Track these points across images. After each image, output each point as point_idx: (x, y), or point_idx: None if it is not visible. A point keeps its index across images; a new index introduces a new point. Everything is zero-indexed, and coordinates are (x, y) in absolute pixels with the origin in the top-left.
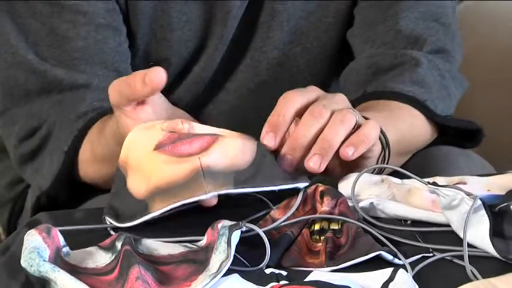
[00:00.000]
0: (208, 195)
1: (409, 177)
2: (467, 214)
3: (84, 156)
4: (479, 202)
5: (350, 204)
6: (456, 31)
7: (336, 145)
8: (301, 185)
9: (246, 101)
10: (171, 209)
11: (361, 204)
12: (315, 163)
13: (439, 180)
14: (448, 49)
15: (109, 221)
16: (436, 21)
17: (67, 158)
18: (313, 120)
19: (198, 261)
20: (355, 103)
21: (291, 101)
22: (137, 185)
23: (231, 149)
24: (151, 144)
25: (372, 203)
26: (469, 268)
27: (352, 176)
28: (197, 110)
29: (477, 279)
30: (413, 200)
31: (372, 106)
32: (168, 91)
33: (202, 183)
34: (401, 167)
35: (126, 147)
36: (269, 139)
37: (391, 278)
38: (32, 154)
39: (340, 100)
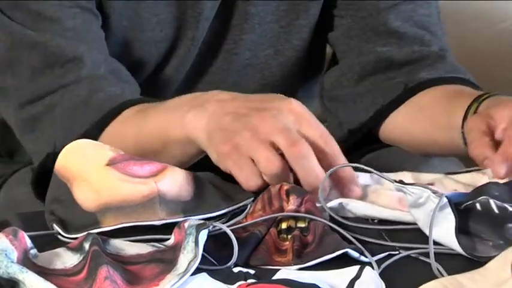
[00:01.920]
0: (161, 222)
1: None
2: (433, 212)
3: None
4: (445, 200)
5: (318, 204)
6: (444, 36)
7: None
8: (248, 201)
9: None
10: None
11: (330, 204)
12: None
13: (407, 176)
14: (447, 49)
15: (57, 229)
16: (427, 30)
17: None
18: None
19: (166, 260)
20: (402, 98)
21: None
22: (85, 197)
23: (179, 179)
24: (103, 159)
25: (341, 204)
26: (434, 265)
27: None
28: None
29: (443, 276)
30: (381, 199)
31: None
32: (140, 92)
33: (158, 209)
34: (376, 162)
35: (65, 156)
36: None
37: (357, 276)
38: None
39: None
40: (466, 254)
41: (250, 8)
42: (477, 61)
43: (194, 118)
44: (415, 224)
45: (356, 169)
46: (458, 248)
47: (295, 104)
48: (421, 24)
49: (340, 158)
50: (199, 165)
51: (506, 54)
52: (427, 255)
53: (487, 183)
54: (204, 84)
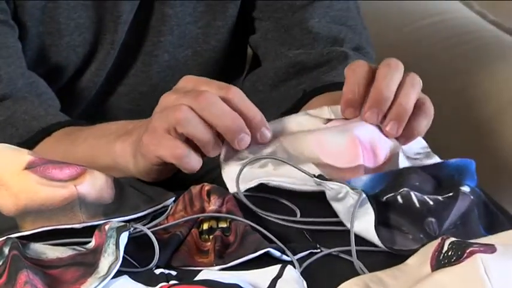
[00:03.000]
0: (82, 225)
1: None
2: (353, 210)
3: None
4: (364, 196)
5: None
6: (364, 30)
7: (410, 110)
8: (169, 201)
9: (139, 105)
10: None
11: (250, 185)
12: (392, 129)
13: (326, 110)
14: (364, 46)
15: None
16: (345, 25)
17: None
18: (393, 71)
19: (87, 263)
20: (298, 105)
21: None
22: (4, 202)
23: (99, 182)
24: (21, 163)
25: (261, 184)
26: (356, 263)
27: (232, 166)
28: (90, 115)
29: (364, 273)
30: (299, 145)
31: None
32: (59, 97)
33: (78, 212)
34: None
35: None
36: (373, 116)
37: (279, 275)
38: None
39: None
40: (384, 248)
41: (167, 10)
42: (397, 57)
43: (121, 146)
44: (336, 223)
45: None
46: (377, 241)
47: (189, 76)
48: (338, 19)
49: (249, 106)
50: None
51: (426, 50)
52: (348, 252)
53: (407, 170)
54: (124, 87)
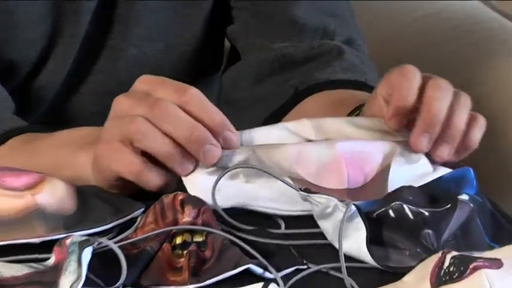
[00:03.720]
0: (40, 240)
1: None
2: (342, 221)
3: None
4: (353, 208)
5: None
6: (352, 19)
7: (462, 131)
8: (138, 213)
9: (106, 106)
10: None
11: (229, 204)
12: (444, 152)
13: (306, 124)
14: (355, 38)
15: None
16: (333, 16)
17: None
18: (445, 94)
19: (45, 283)
20: (290, 103)
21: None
22: None
23: (59, 191)
24: None
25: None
26: (347, 280)
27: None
28: (50, 119)
29: None
30: (276, 155)
31: (332, 103)
32: (14, 98)
33: (36, 225)
34: None
35: None
36: (425, 142)
37: None
38: None
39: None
40: (379, 266)
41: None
42: (388, 49)
43: (84, 157)
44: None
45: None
46: (370, 260)
47: (144, 77)
48: (325, 8)
49: (206, 108)
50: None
51: (416, 42)
52: (338, 269)
53: (399, 188)
54: (88, 85)
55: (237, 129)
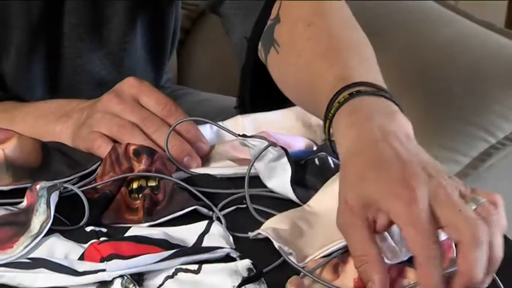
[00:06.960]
0: (9, 187)
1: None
2: (257, 154)
3: None
4: (282, 151)
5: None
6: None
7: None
8: (95, 166)
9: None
10: None
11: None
12: (486, 282)
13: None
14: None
15: None
16: None
17: None
18: (482, 248)
19: (19, 223)
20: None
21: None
22: None
23: (26, 146)
24: None
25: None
26: (251, 208)
27: None
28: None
29: (262, 221)
30: (217, 149)
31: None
32: None
33: (5, 174)
34: None
35: None
36: None
37: (206, 230)
38: None
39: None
40: (301, 203)
41: None
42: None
43: (61, 128)
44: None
45: (197, 122)
46: (293, 197)
47: (133, 81)
48: None
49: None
50: None
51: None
52: (276, 208)
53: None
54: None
55: None
